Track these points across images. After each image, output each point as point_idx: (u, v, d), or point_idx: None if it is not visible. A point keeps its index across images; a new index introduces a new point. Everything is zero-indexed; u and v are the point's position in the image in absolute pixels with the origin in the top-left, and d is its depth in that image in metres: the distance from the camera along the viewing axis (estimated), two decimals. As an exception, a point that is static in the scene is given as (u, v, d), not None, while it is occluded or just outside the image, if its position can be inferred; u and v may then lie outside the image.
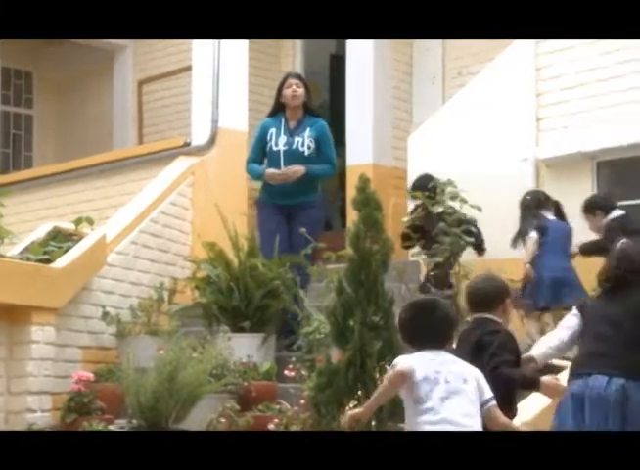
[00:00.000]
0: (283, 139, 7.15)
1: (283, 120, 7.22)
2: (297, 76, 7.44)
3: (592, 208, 6.78)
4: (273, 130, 7.19)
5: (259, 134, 7.30)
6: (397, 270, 6.60)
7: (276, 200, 7.10)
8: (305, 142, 7.15)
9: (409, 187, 7.50)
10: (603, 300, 4.52)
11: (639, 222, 6.69)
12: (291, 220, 7.09)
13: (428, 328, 3.81)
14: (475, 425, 3.64)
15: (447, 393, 3.66)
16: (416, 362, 3.72)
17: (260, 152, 7.26)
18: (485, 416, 3.73)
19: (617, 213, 6.72)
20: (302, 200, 7.08)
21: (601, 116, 7.40)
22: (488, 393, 3.76)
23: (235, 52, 8.73)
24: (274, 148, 7.16)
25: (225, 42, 8.56)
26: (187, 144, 8.70)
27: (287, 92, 7.19)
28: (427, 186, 7.10)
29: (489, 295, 4.27)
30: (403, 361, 3.74)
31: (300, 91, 7.20)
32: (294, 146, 7.13)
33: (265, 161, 7.27)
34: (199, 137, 8.66)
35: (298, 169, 7.04)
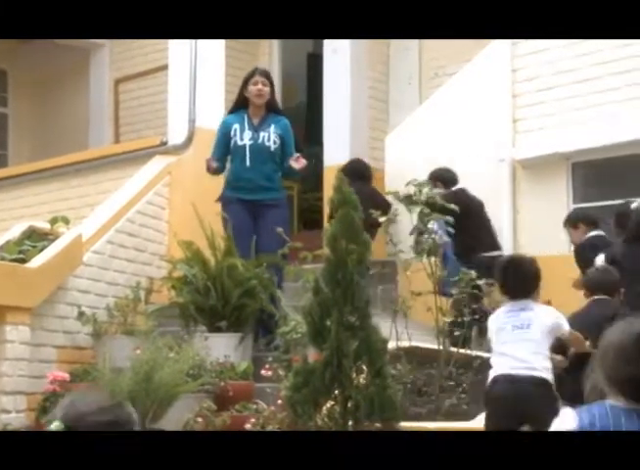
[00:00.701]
0: (248, 134, 7.06)
1: (246, 117, 7.12)
2: (265, 74, 7.27)
3: (434, 178, 7.34)
4: (237, 126, 7.10)
5: (222, 131, 7.19)
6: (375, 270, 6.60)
7: (242, 195, 7.00)
8: (271, 137, 7.06)
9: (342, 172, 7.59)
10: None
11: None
12: (258, 218, 6.99)
13: (512, 281, 4.60)
14: (535, 360, 4.40)
15: (511, 335, 4.46)
16: (492, 319, 4.66)
17: (224, 148, 7.15)
18: (565, 340, 4.70)
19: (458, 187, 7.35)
20: (271, 196, 7.01)
21: (577, 117, 7.45)
22: (565, 328, 4.60)
23: (212, 51, 8.71)
24: (239, 142, 7.06)
25: (202, 41, 8.52)
26: (164, 143, 8.67)
27: (252, 89, 7.08)
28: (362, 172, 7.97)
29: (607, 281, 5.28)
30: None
31: (266, 90, 7.11)
32: (259, 140, 7.04)
33: (229, 157, 7.21)
34: (175, 136, 8.64)
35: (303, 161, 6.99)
